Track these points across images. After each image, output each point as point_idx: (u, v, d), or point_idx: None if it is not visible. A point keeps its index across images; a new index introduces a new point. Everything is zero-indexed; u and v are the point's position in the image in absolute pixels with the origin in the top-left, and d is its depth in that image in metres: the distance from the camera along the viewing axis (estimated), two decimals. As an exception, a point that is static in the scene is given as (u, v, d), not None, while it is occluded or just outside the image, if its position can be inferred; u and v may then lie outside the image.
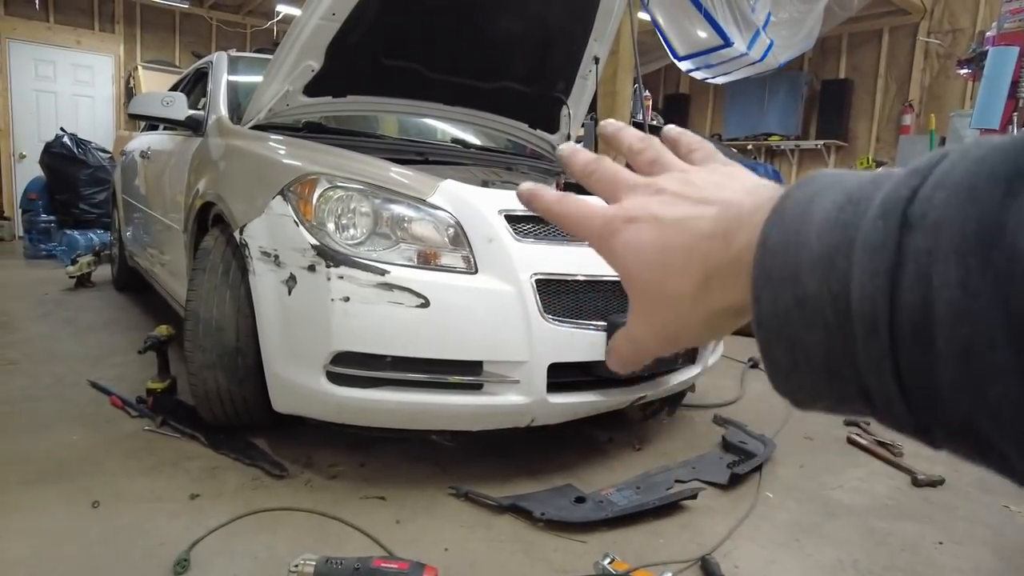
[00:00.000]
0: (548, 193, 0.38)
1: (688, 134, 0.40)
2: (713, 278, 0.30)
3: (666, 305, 0.32)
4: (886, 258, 0.22)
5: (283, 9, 7.56)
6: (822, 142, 7.39)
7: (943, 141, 5.71)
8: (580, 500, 1.80)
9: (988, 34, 3.82)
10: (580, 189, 2.28)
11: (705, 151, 0.38)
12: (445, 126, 3.20)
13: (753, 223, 0.28)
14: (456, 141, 3.21)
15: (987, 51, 3.48)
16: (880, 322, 0.22)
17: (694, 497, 1.86)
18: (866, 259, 0.23)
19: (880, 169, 0.27)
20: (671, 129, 0.41)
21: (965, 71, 4.45)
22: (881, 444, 2.37)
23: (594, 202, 0.36)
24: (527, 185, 0.39)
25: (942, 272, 0.21)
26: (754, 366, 3.41)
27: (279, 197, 1.83)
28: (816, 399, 0.26)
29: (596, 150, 3.26)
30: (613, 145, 0.40)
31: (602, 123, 0.40)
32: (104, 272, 4.76)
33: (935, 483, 2.10)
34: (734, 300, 0.29)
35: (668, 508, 1.82)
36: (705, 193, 0.32)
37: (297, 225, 1.77)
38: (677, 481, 1.98)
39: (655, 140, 0.38)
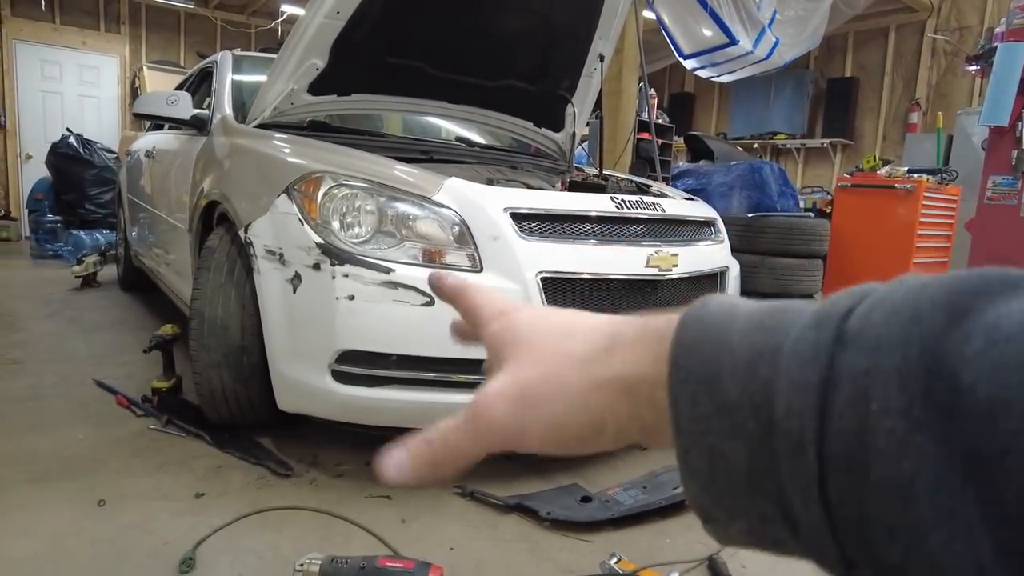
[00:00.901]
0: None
1: (476, 292, 0.37)
2: (616, 349, 0.27)
3: (553, 359, 0.29)
4: (817, 372, 0.20)
5: (287, 9, 7.58)
6: (828, 141, 7.37)
7: (950, 139, 5.68)
8: (586, 499, 1.80)
9: (997, 30, 3.79)
10: (585, 188, 2.26)
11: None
12: (449, 124, 3.20)
13: (659, 336, 0.25)
14: (460, 139, 3.20)
15: (996, 48, 3.46)
16: (807, 442, 0.20)
17: (701, 496, 1.84)
18: (795, 370, 0.21)
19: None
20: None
21: (974, 68, 4.43)
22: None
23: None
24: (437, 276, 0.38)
25: (882, 396, 0.19)
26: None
27: (284, 195, 1.83)
28: (734, 518, 0.23)
29: (601, 149, 3.24)
30: (457, 304, 0.37)
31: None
32: (110, 272, 4.77)
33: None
34: (634, 373, 0.26)
35: (674, 508, 1.81)
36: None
37: (302, 223, 1.77)
38: (683, 480, 1.97)
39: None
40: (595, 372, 0.27)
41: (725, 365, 0.22)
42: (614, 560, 1.52)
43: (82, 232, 5.83)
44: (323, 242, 1.72)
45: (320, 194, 1.78)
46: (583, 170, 3.09)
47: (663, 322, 0.26)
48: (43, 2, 7.16)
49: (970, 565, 0.17)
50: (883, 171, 4.52)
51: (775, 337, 0.22)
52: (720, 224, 2.44)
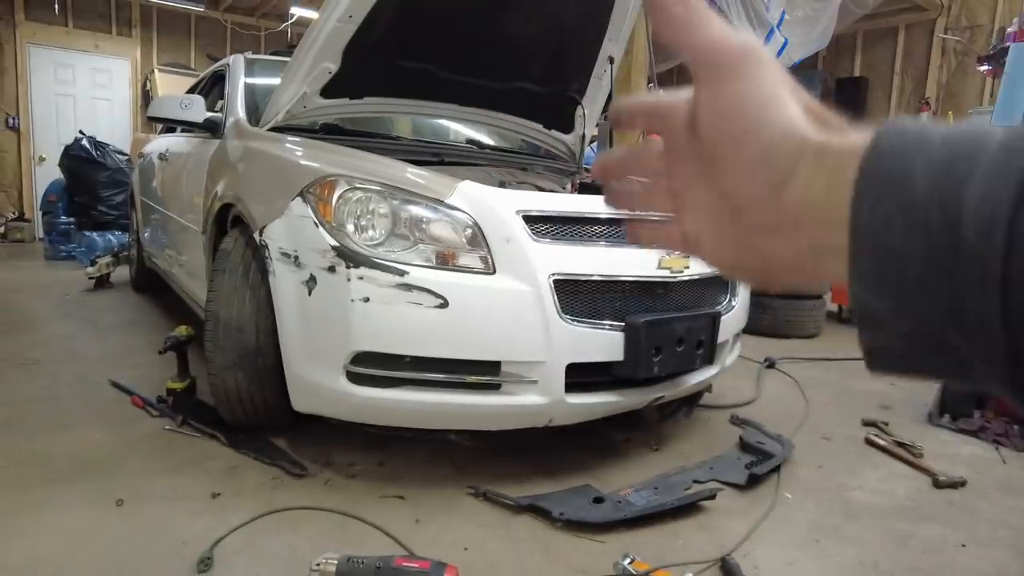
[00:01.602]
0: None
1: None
2: (802, 165, 0.27)
3: (741, 175, 0.28)
4: (1021, 162, 0.20)
5: (297, 11, 7.62)
6: (837, 140, 7.33)
7: (961, 139, 5.64)
8: (598, 500, 1.80)
9: (1009, 30, 3.77)
10: (595, 189, 2.28)
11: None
12: (460, 127, 3.21)
13: (854, 141, 0.26)
14: (471, 142, 3.22)
15: (1008, 47, 3.44)
16: (997, 225, 0.20)
17: (712, 498, 1.85)
18: (1001, 159, 0.21)
19: None
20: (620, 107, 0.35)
21: (985, 68, 4.40)
22: (900, 445, 2.35)
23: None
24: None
25: None
26: (771, 366, 3.39)
27: (298, 198, 1.85)
28: (898, 318, 0.24)
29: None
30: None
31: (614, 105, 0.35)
32: (122, 273, 4.82)
33: (956, 484, 2.07)
34: (817, 199, 0.26)
35: (686, 509, 1.81)
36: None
37: (317, 226, 1.78)
38: (695, 481, 1.98)
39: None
40: (771, 212, 0.28)
41: (918, 165, 0.23)
42: (627, 561, 1.53)
43: (95, 234, 5.88)
44: (338, 245, 1.74)
45: (335, 197, 1.79)
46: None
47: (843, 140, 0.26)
48: (56, 6, 7.24)
49: None
50: (894, 171, 4.50)
51: (978, 141, 0.22)
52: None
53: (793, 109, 0.28)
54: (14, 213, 7.30)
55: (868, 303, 0.24)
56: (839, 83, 7.35)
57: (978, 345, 0.22)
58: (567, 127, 3.07)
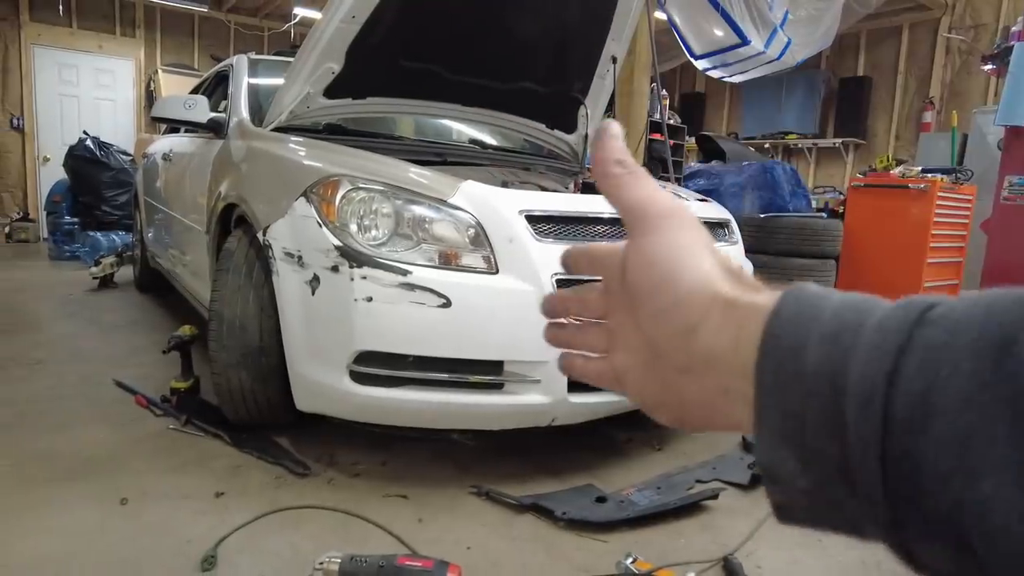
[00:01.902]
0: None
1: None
2: (712, 316, 0.29)
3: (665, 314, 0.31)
4: (894, 341, 0.22)
5: (300, 12, 7.63)
6: (840, 140, 7.33)
7: (965, 139, 5.63)
8: (601, 500, 1.81)
9: (1013, 29, 3.76)
10: (596, 189, 2.28)
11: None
12: (463, 127, 3.22)
13: (760, 301, 0.28)
14: (474, 142, 3.22)
15: (1012, 46, 3.43)
16: (875, 402, 0.22)
17: (715, 497, 1.85)
18: (875, 340, 0.23)
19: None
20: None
21: (989, 67, 4.39)
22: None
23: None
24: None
25: (952, 363, 0.21)
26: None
27: (302, 198, 1.85)
28: (798, 476, 0.26)
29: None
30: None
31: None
32: (126, 273, 4.83)
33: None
34: (725, 348, 0.29)
35: (689, 508, 1.81)
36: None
37: (320, 226, 1.79)
38: (698, 481, 1.98)
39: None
40: (682, 354, 0.31)
41: (813, 335, 0.25)
42: (630, 560, 1.53)
43: (99, 234, 5.90)
44: (341, 244, 1.75)
45: (338, 197, 1.80)
46: (596, 171, 3.09)
47: (763, 298, 0.29)
48: (60, 7, 7.26)
49: (1018, 507, 0.19)
50: (896, 171, 4.49)
51: (862, 316, 0.24)
52: (734, 225, 2.44)
53: (707, 264, 0.31)
54: (19, 213, 7.32)
55: (773, 459, 0.26)
56: (843, 83, 7.34)
57: (865, 510, 0.23)
58: (570, 127, 3.07)
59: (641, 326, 0.33)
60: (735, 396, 0.29)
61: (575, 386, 1.81)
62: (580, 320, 0.39)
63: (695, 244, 0.32)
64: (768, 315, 0.27)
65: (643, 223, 0.32)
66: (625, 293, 0.33)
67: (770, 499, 0.27)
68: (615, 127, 0.36)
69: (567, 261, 0.39)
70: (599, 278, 0.37)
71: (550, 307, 0.40)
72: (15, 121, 7.28)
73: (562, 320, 0.40)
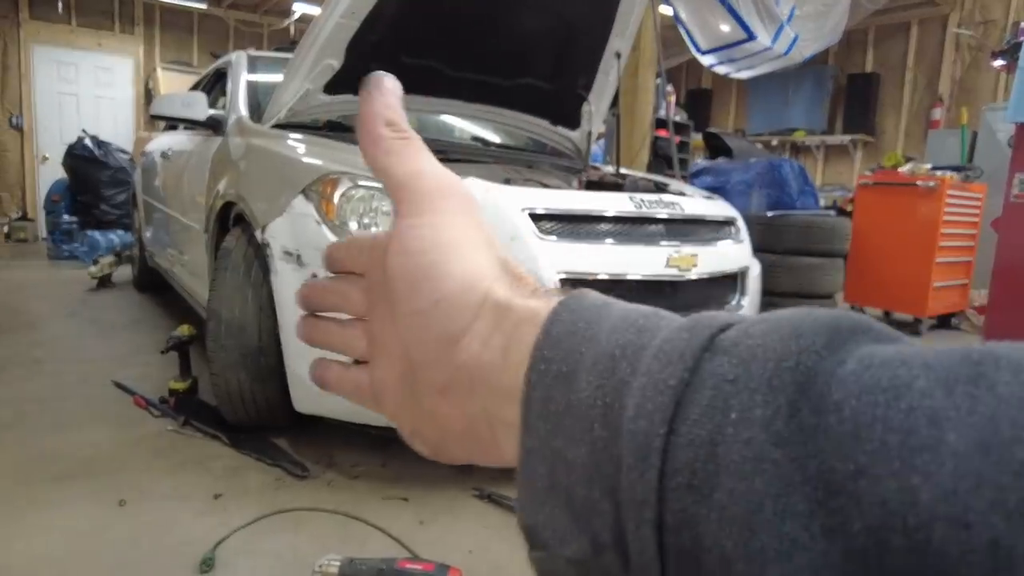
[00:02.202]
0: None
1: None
2: (480, 322, 0.24)
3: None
4: (677, 374, 0.18)
5: (300, 8, 7.60)
6: (848, 137, 7.28)
7: (975, 136, 5.57)
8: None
9: (1023, 25, 3.71)
10: (602, 187, 2.23)
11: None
12: (465, 123, 3.18)
13: (530, 307, 0.24)
14: (476, 138, 3.18)
15: (1022, 42, 3.38)
16: (652, 450, 0.17)
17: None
18: (655, 370, 0.18)
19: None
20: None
21: (999, 63, 4.34)
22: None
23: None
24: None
25: (744, 406, 0.17)
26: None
27: (301, 196, 1.82)
28: (566, 542, 0.20)
29: (618, 147, 3.17)
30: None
31: None
32: (124, 272, 4.81)
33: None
34: (492, 362, 0.24)
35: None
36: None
37: (319, 224, 1.75)
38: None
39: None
40: (444, 369, 0.26)
41: (586, 359, 0.20)
42: (636, 566, 1.50)
43: (97, 233, 5.88)
44: (340, 243, 1.71)
45: (337, 195, 1.77)
46: (600, 169, 3.06)
47: (540, 308, 0.23)
48: (60, 5, 7.23)
49: None
50: (905, 168, 4.44)
51: (643, 337, 0.20)
52: (741, 223, 2.40)
53: (482, 258, 0.25)
54: (17, 212, 7.31)
55: (536, 517, 0.21)
56: (851, 79, 7.29)
57: None
58: (574, 123, 3.03)
59: (398, 331, 0.27)
60: (502, 426, 0.24)
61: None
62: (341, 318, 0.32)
63: (468, 231, 0.26)
64: (539, 331, 0.22)
65: (411, 202, 0.27)
66: (386, 288, 0.27)
67: (532, 566, 0.22)
68: (390, 80, 0.30)
69: (326, 254, 0.32)
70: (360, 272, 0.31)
71: (308, 297, 0.32)
72: (14, 120, 7.26)
73: (323, 314, 0.32)
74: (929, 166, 4.38)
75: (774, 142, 7.69)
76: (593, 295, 0.23)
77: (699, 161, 5.71)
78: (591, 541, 0.19)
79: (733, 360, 0.18)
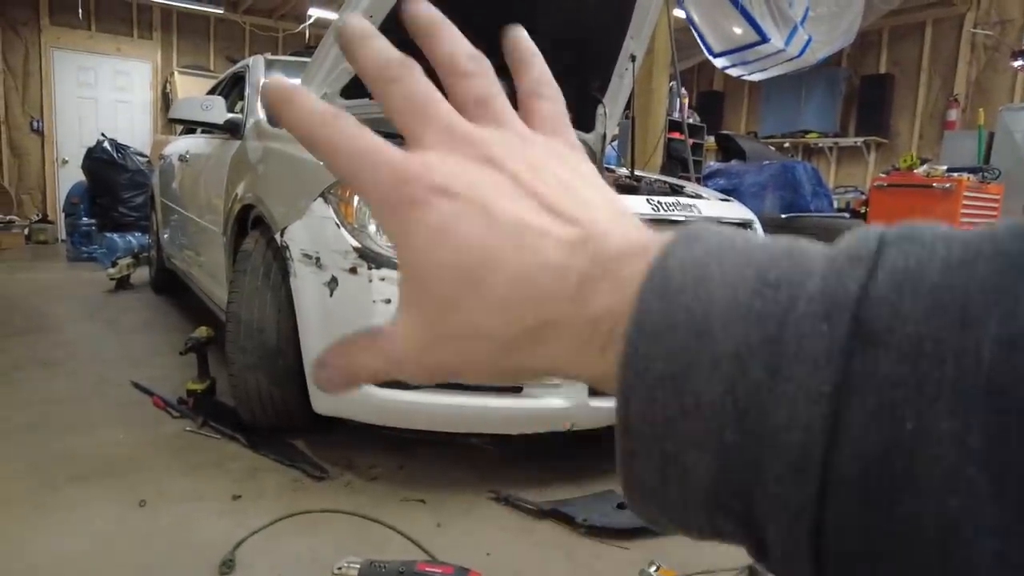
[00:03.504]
0: (310, 104, 0.24)
1: (537, 55, 0.27)
2: (549, 331, 0.21)
3: (463, 338, 0.22)
4: (829, 379, 0.16)
5: (315, 12, 7.65)
6: (862, 139, 7.23)
7: (991, 137, 5.51)
8: (621, 506, 1.77)
9: (1042, 24, 3.67)
10: (617, 189, 2.22)
11: (554, 107, 0.27)
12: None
13: (621, 278, 0.20)
14: (490, 141, 3.19)
15: (1041, 42, 3.34)
16: (811, 463, 0.16)
17: (740, 504, 1.81)
18: (802, 374, 0.16)
19: (784, 239, 0.20)
20: (513, 38, 0.28)
21: (1019, 63, 4.29)
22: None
23: (387, 147, 0.24)
24: (277, 81, 0.24)
25: (925, 415, 0.15)
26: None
27: (320, 199, 1.83)
28: (685, 529, 0.20)
29: (632, 149, 3.16)
30: (427, 46, 0.26)
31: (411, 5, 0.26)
32: (142, 274, 4.86)
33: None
34: (574, 368, 0.22)
35: (713, 515, 1.77)
36: (559, 198, 0.22)
37: (338, 227, 1.77)
38: (721, 487, 1.94)
39: (490, 68, 0.26)
40: (506, 363, 0.22)
41: (703, 358, 0.18)
42: (653, 568, 1.49)
43: (116, 235, 5.95)
44: (360, 246, 1.73)
45: (356, 198, 1.78)
46: (614, 171, 3.06)
47: (610, 285, 0.20)
48: (80, 11, 7.33)
49: None
50: (921, 170, 4.41)
51: (769, 326, 0.17)
52: (757, 226, 2.39)
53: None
54: (38, 215, 7.41)
55: (648, 515, 0.20)
56: (864, 81, 7.23)
57: (782, 572, 0.18)
58: (588, 126, 3.03)
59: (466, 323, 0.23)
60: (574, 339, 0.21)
61: (595, 390, 1.77)
62: None
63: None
64: (630, 324, 0.19)
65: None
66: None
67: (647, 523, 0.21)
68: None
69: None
70: None
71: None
72: (35, 124, 7.36)
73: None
74: (945, 168, 4.35)
75: (787, 144, 7.65)
76: (682, 257, 0.19)
77: (712, 163, 5.69)
78: (715, 532, 0.19)
79: (892, 356, 0.15)
